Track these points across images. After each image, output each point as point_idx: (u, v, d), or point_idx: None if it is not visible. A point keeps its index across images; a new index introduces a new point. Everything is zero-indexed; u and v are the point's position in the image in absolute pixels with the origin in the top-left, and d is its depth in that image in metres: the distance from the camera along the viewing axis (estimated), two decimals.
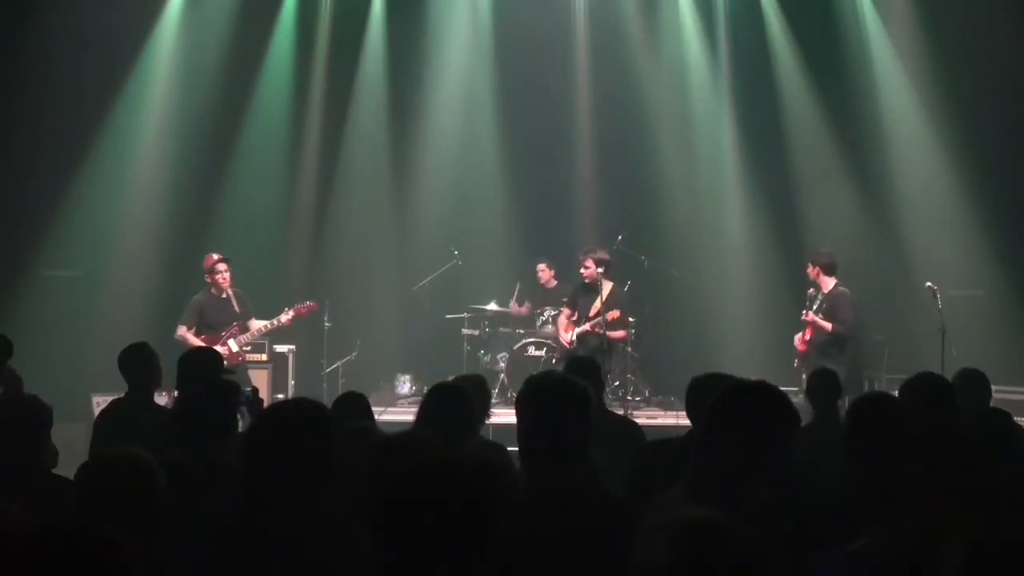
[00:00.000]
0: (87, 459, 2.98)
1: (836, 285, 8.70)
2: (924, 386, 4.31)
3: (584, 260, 9.18)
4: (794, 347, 8.99)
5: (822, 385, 5.14)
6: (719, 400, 2.72)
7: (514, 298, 10.68)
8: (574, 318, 9.46)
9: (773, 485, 2.64)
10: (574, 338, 9.29)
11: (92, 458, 2.95)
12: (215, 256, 8.69)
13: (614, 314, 8.97)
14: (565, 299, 9.77)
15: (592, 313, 9.15)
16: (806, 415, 5.36)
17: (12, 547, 1.72)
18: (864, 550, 2.53)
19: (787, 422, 2.70)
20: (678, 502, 2.59)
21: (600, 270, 9.08)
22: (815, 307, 8.71)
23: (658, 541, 1.90)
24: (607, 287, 9.19)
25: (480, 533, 2.05)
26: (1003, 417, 3.91)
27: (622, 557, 2.38)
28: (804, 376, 8.73)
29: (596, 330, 9.06)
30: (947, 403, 4.22)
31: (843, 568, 2.51)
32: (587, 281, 9.23)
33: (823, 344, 8.58)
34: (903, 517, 2.52)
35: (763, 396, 2.74)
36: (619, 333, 9.27)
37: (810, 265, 8.83)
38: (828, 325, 8.52)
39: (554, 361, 9.52)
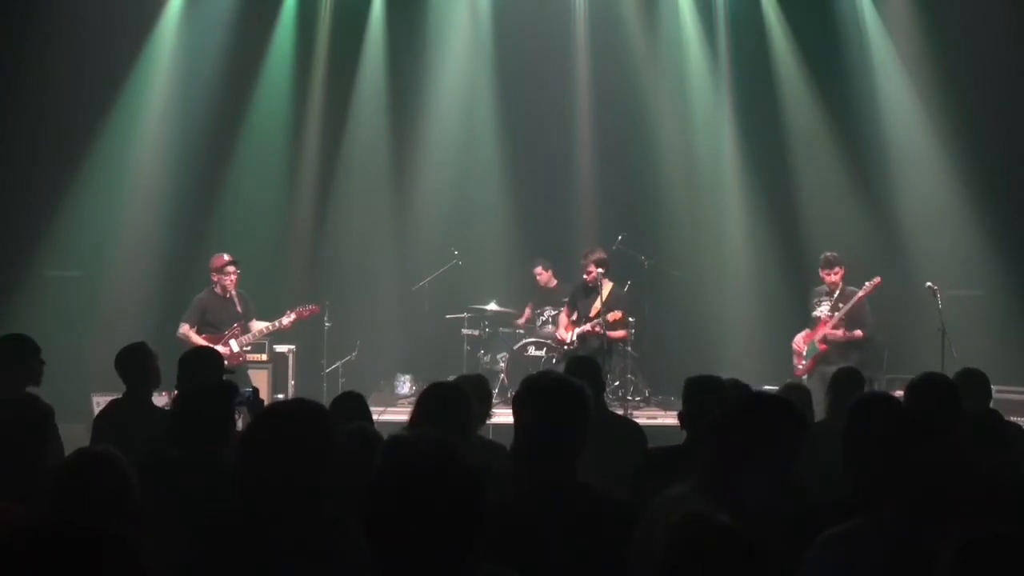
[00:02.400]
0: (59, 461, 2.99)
1: (851, 289, 8.73)
2: (929, 386, 4.30)
3: (587, 265, 9.20)
4: (797, 348, 8.96)
5: (850, 385, 5.13)
6: (735, 408, 2.75)
7: (526, 314, 10.65)
8: (574, 318, 9.48)
9: (776, 487, 2.66)
10: (574, 339, 9.30)
11: (64, 459, 2.96)
12: (226, 257, 8.70)
13: (616, 315, 8.99)
14: (565, 299, 9.79)
15: (592, 314, 9.17)
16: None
17: (18, 544, 1.71)
18: (851, 531, 2.55)
19: (799, 434, 2.74)
20: (682, 499, 2.60)
21: (600, 270, 9.11)
22: (830, 308, 8.71)
23: (659, 533, 1.92)
24: (607, 287, 9.21)
25: (469, 531, 2.06)
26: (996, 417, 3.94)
27: (617, 555, 2.38)
28: (805, 377, 8.76)
29: (596, 330, 9.08)
30: (953, 404, 4.21)
31: (832, 549, 2.53)
32: (589, 284, 9.26)
33: (850, 344, 8.62)
34: (891, 503, 2.55)
35: (768, 398, 2.77)
36: (619, 333, 9.28)
37: (839, 268, 8.77)
38: (859, 333, 8.58)
39: (554, 361, 9.53)
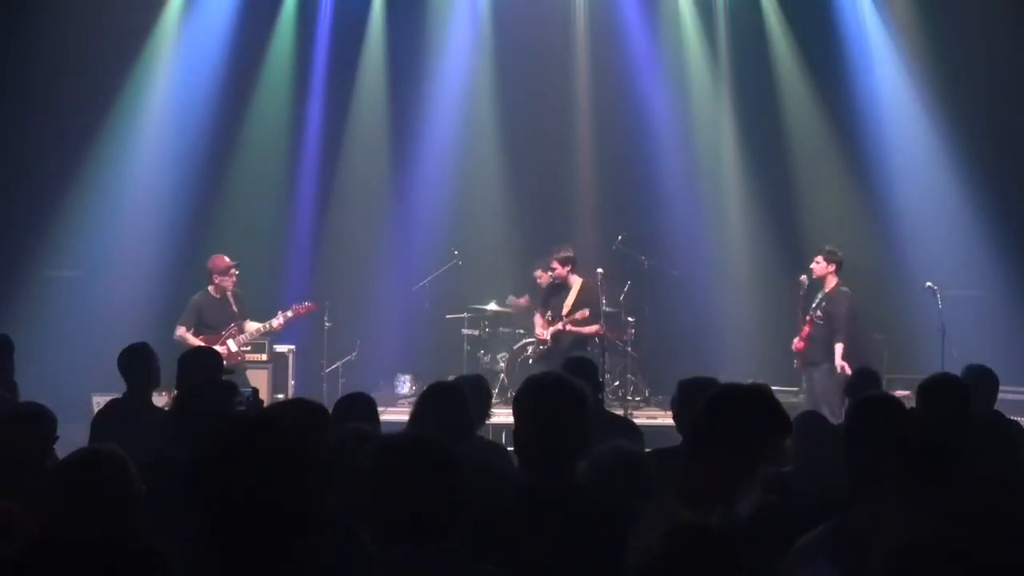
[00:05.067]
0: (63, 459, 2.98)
1: (838, 284, 8.68)
2: (941, 388, 4.29)
3: (551, 262, 9.23)
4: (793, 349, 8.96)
5: (868, 387, 5.13)
6: (708, 403, 2.71)
7: (524, 299, 10.64)
8: (548, 317, 9.46)
9: (763, 487, 2.64)
10: (548, 336, 9.29)
11: (66, 457, 2.95)
12: (228, 260, 8.72)
13: (583, 313, 9.01)
14: (540, 300, 9.81)
15: (565, 312, 9.18)
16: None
17: (52, 555, 1.68)
18: (821, 537, 2.55)
19: (776, 425, 2.69)
20: (670, 505, 2.59)
21: (567, 268, 9.13)
22: (814, 304, 8.70)
23: (646, 543, 1.91)
24: (576, 283, 9.21)
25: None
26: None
27: (616, 556, 2.38)
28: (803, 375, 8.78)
29: (569, 329, 9.08)
30: (962, 405, 4.20)
31: (806, 558, 2.52)
32: (557, 282, 9.26)
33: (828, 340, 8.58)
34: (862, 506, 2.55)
35: (752, 400, 2.73)
36: (591, 328, 9.19)
37: (820, 257, 8.71)
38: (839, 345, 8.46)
39: (531, 361, 9.50)
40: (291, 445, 2.02)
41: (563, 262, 9.15)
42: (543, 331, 9.39)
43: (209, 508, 1.97)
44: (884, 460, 2.69)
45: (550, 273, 9.31)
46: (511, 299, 10.68)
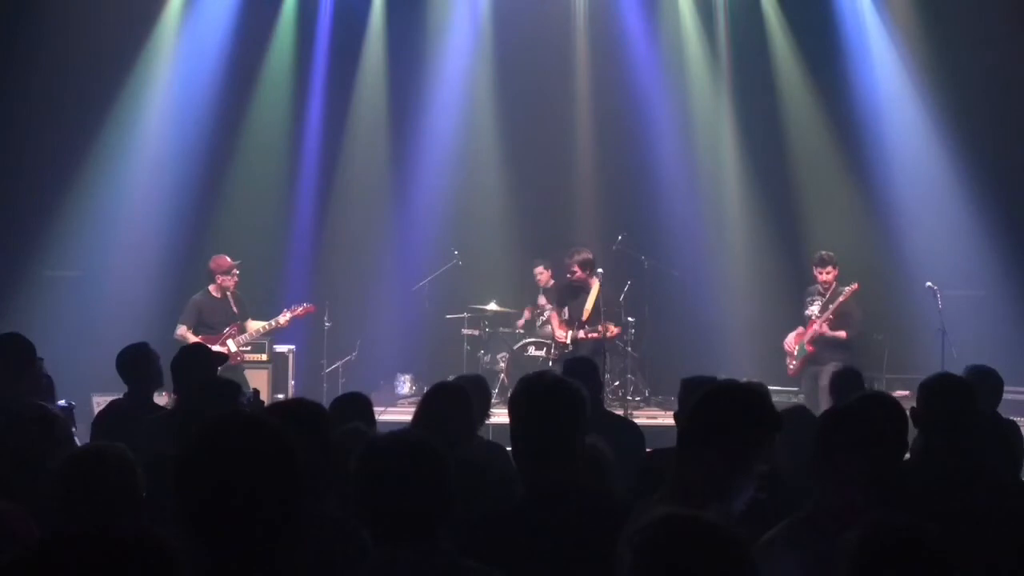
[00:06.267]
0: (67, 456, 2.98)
1: (842, 289, 8.72)
2: (942, 387, 4.27)
3: (571, 265, 9.22)
4: (788, 349, 8.96)
5: (848, 386, 5.13)
6: (699, 402, 2.71)
7: (525, 315, 10.67)
8: (566, 318, 9.46)
9: (756, 485, 2.64)
10: (570, 342, 9.28)
11: (71, 455, 2.95)
12: (229, 260, 8.74)
13: (613, 332, 9.01)
14: (551, 297, 9.79)
15: (584, 317, 9.16)
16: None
17: (60, 551, 1.68)
18: (775, 538, 2.57)
19: (766, 423, 2.69)
20: (663, 504, 2.59)
21: (586, 271, 9.13)
22: (820, 308, 8.70)
23: (633, 538, 1.91)
24: (595, 287, 9.21)
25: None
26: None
27: (614, 557, 2.38)
28: (803, 378, 8.78)
29: (593, 336, 9.08)
30: (964, 405, 4.18)
31: (761, 557, 2.52)
32: (575, 284, 9.26)
33: (838, 345, 8.58)
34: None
35: (742, 398, 2.73)
36: (611, 332, 9.23)
37: (831, 268, 8.77)
38: (842, 334, 8.55)
39: (551, 363, 9.48)
40: (274, 445, 2.02)
41: (583, 265, 9.14)
42: (563, 333, 9.38)
43: (191, 507, 1.97)
44: (861, 457, 2.70)
45: (568, 276, 9.29)
46: (525, 317, 10.64)
